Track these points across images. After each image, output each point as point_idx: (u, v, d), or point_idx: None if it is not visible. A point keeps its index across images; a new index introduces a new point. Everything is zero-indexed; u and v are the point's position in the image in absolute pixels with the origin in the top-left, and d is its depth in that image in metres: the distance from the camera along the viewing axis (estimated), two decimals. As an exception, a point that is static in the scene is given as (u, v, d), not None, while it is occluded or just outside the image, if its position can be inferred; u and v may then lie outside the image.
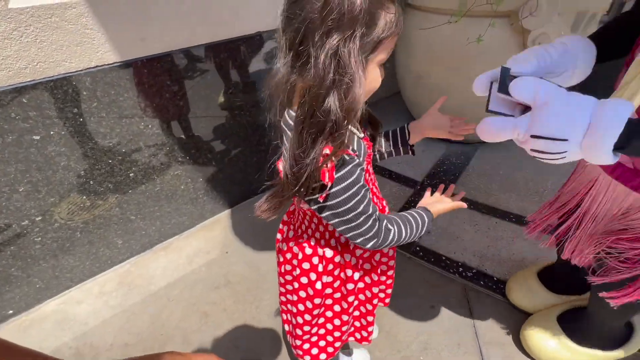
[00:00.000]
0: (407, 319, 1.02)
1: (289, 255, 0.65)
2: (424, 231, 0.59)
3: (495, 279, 1.11)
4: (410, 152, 0.70)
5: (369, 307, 0.72)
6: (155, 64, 1.02)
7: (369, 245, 0.54)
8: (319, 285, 0.62)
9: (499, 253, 1.19)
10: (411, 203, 1.45)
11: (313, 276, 0.62)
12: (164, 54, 1.03)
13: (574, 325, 0.87)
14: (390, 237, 0.55)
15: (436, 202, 0.64)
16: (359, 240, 0.53)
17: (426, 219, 0.60)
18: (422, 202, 0.65)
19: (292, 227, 0.67)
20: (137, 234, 1.21)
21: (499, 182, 1.53)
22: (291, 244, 0.64)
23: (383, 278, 0.72)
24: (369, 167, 0.60)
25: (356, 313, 0.73)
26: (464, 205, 0.65)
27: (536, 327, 0.89)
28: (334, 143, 0.44)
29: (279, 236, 0.71)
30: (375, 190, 0.65)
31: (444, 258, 1.19)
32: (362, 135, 0.54)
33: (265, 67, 1.29)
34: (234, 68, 1.22)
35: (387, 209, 0.68)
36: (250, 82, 1.29)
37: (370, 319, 0.73)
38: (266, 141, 1.43)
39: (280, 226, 0.71)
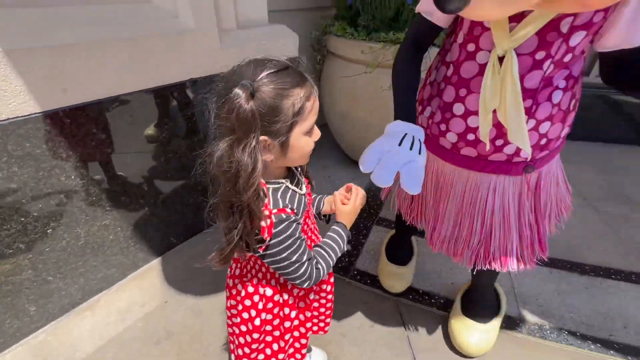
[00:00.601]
0: (351, 341, 1.11)
1: (234, 291, 0.70)
2: (345, 246, 0.70)
3: (421, 291, 1.28)
4: (324, 221, 0.80)
5: (303, 341, 0.79)
6: (79, 113, 0.97)
7: (304, 285, 0.63)
8: (257, 322, 0.68)
9: (422, 267, 1.38)
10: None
11: (253, 312, 0.67)
12: (89, 103, 0.99)
13: (475, 310, 1.06)
14: (321, 273, 0.65)
15: (343, 209, 0.72)
16: (296, 282, 0.63)
17: (343, 234, 0.69)
18: (337, 213, 0.73)
19: (239, 264, 0.72)
20: (55, 296, 1.08)
21: (416, 204, 1.77)
22: (236, 280, 0.70)
23: (322, 310, 0.80)
24: (308, 213, 0.69)
25: (290, 350, 0.79)
26: (363, 192, 0.76)
27: (454, 326, 1.07)
28: (252, 216, 0.53)
29: (228, 272, 0.74)
30: (313, 232, 0.74)
31: (377, 278, 1.33)
32: (304, 191, 0.63)
33: (198, 110, 1.31)
34: (165, 113, 1.21)
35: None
36: (182, 125, 1.29)
37: (303, 341, 0.79)
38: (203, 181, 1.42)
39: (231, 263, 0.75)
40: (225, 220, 0.56)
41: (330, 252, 0.67)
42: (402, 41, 0.83)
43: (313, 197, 0.79)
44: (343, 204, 0.73)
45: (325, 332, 0.85)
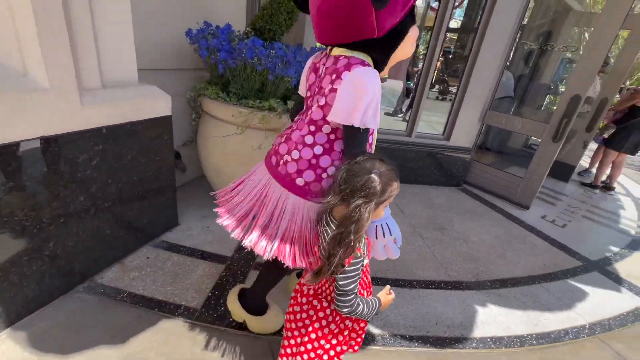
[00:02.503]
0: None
1: (310, 305, 1.00)
2: (375, 312, 0.94)
3: (292, 325, 1.43)
4: None
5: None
6: None
7: (344, 311, 0.88)
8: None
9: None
10: (223, 279, 1.63)
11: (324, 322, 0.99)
12: None
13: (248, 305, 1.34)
14: (358, 310, 0.88)
15: (386, 296, 1.02)
16: (339, 304, 0.87)
17: (377, 305, 0.95)
18: (379, 294, 1.01)
19: (313, 287, 1.01)
20: None
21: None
22: (311, 298, 1.01)
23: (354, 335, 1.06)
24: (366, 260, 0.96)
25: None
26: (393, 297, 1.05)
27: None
28: (348, 248, 0.80)
29: (299, 294, 1.05)
30: (364, 273, 1.01)
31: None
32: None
33: (52, 168, 1.23)
34: (8, 172, 1.10)
35: (365, 294, 1.03)
36: (24, 186, 1.18)
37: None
38: (51, 245, 1.28)
39: (298, 287, 1.07)
40: (333, 248, 0.81)
41: (370, 304, 0.92)
42: None
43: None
44: (388, 294, 1.04)
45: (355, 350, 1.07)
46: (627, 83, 7.73)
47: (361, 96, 0.88)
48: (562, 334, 1.65)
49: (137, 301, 1.42)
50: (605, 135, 4.04)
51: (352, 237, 0.78)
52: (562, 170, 4.15)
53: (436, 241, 2.30)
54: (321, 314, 0.97)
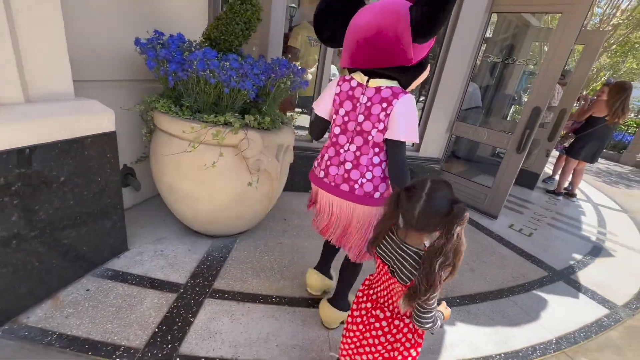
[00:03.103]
0: None
1: (397, 328, 1.02)
2: (441, 325, 0.99)
3: (247, 362, 1.31)
4: None
5: None
6: None
7: (426, 327, 0.91)
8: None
9: (249, 336, 1.43)
10: (174, 310, 1.48)
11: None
12: None
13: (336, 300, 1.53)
14: (438, 324, 0.94)
15: (445, 309, 1.06)
16: (422, 320, 0.91)
17: (442, 318, 1.01)
18: (439, 309, 1.02)
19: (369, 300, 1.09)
20: None
21: (252, 269, 1.86)
22: (397, 321, 1.02)
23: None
24: None
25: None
26: (449, 312, 1.09)
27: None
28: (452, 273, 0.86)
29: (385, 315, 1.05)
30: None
31: (203, 358, 1.29)
32: None
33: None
34: None
35: None
36: None
37: None
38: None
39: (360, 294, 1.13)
40: (430, 274, 0.84)
41: (439, 319, 0.97)
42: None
43: None
44: (445, 308, 1.08)
45: None
46: (584, 92, 8.24)
47: (414, 117, 1.16)
48: (530, 352, 1.62)
49: (67, 344, 1.25)
50: (566, 144, 4.21)
51: (455, 262, 0.84)
52: (527, 178, 4.28)
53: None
54: (384, 323, 1.03)
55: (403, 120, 1.14)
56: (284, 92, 1.86)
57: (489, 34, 4.88)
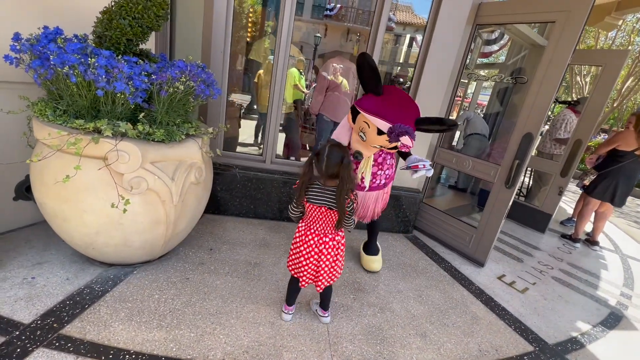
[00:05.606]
0: None
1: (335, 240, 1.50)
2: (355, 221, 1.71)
3: None
4: None
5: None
6: None
7: (351, 226, 1.49)
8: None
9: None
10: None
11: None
12: None
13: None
14: (355, 221, 1.58)
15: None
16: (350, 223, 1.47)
17: (354, 222, 1.76)
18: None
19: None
20: None
21: (128, 310, 1.50)
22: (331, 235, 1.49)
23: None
24: None
25: None
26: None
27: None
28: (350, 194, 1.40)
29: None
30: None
31: None
32: None
33: None
34: None
35: None
36: None
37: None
38: None
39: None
40: (343, 198, 1.35)
41: (354, 220, 1.56)
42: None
43: None
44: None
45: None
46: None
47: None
48: None
49: None
50: (586, 182, 3.57)
51: (352, 187, 1.37)
52: (537, 219, 3.65)
53: (341, 308, 1.80)
54: (331, 243, 1.48)
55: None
56: (186, 100, 1.58)
57: (502, 59, 4.48)
